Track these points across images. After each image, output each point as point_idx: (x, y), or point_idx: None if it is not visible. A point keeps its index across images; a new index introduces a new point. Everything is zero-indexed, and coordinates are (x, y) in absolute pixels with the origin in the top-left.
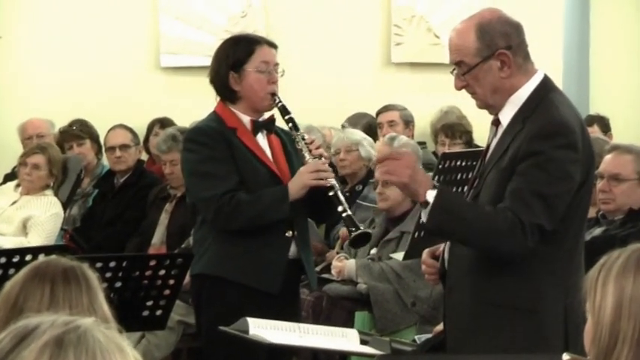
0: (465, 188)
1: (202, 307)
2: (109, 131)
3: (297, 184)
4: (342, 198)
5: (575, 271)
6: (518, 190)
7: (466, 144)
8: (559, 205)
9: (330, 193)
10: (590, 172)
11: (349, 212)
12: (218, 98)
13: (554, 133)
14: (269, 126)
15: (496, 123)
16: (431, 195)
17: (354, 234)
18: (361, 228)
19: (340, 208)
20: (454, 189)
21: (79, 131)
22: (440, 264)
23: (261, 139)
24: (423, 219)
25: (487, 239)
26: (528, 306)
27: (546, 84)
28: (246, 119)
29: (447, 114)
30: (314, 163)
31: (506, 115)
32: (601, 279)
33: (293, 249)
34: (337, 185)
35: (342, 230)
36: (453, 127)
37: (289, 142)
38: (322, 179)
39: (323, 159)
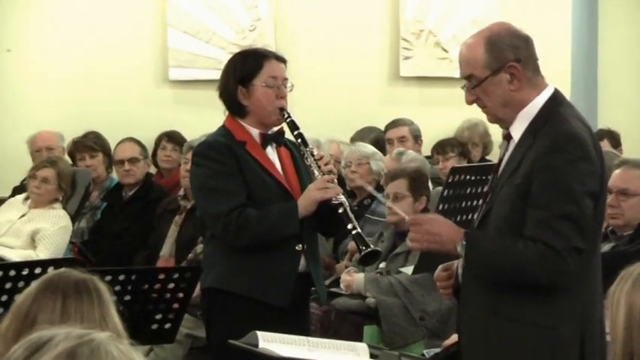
0: (474, 202)
1: (212, 321)
2: (117, 144)
3: (306, 200)
4: (351, 215)
5: (590, 286)
6: (543, 219)
7: (461, 155)
8: (587, 221)
9: (340, 210)
10: (603, 185)
11: (359, 230)
12: (227, 112)
13: (566, 145)
14: (278, 139)
15: (507, 137)
16: (461, 248)
17: (364, 252)
18: (371, 246)
19: (350, 226)
20: (463, 203)
21: (93, 143)
22: (454, 279)
23: (271, 152)
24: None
25: (522, 276)
26: (543, 322)
27: (557, 98)
28: (255, 132)
29: (469, 127)
30: (322, 180)
31: (518, 130)
32: (617, 294)
33: (302, 263)
34: (346, 202)
35: (351, 244)
36: (442, 144)
37: (299, 155)
38: (331, 195)
39: (332, 175)
